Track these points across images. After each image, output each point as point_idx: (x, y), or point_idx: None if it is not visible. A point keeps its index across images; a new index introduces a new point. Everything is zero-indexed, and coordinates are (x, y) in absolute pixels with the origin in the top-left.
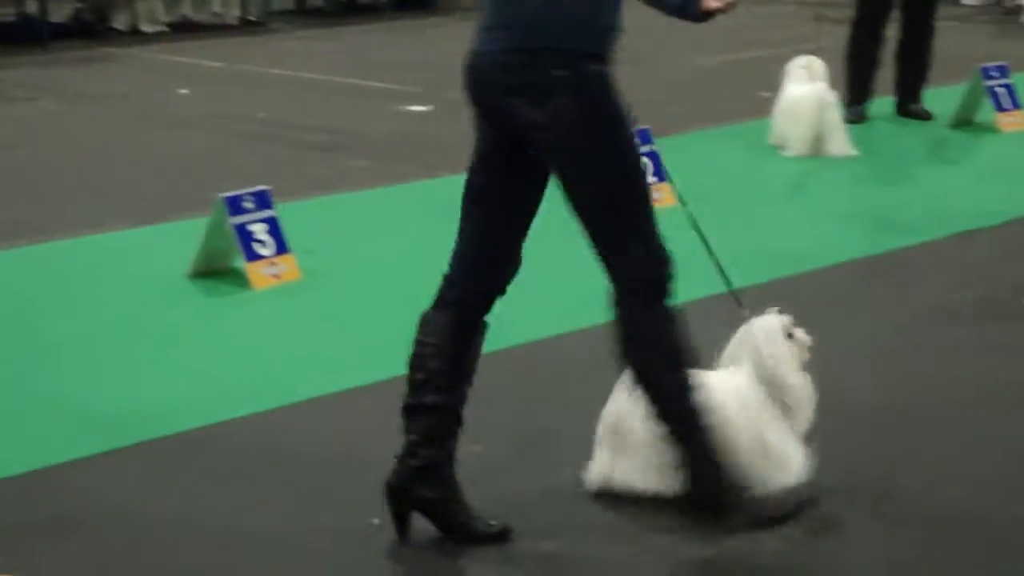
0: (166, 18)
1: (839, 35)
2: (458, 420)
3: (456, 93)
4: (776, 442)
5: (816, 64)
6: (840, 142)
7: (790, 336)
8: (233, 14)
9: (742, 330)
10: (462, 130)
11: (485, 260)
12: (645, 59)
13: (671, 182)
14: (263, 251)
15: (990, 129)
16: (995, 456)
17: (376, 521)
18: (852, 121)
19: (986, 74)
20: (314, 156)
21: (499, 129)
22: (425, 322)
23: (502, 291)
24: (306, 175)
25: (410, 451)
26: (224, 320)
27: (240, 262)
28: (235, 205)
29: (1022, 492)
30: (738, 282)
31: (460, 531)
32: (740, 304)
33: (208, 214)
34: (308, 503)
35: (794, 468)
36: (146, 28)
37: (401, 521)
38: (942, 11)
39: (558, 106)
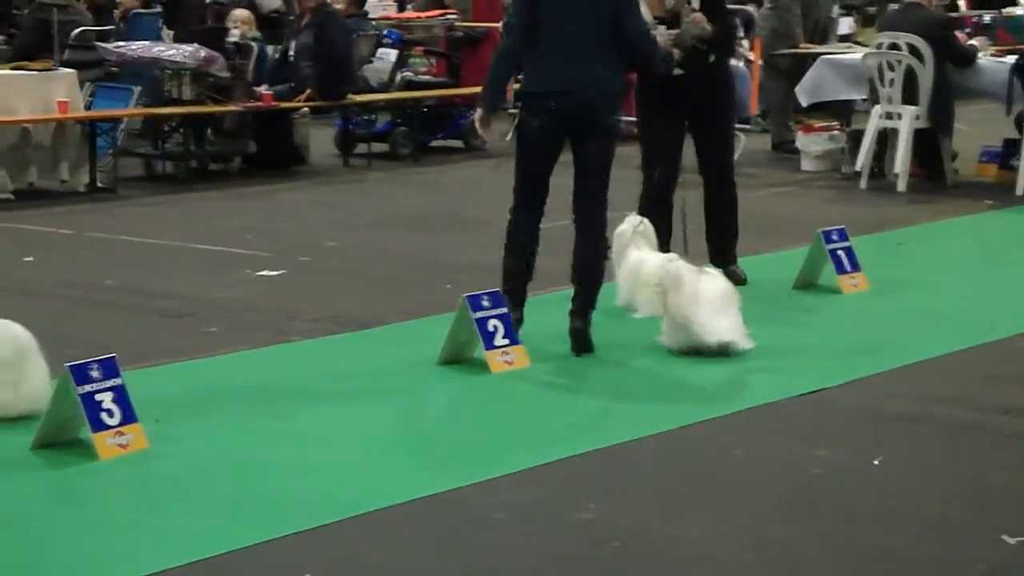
0: (12, 186)
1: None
2: None
3: (307, 257)
4: None
5: (647, 226)
6: None
7: None
8: (82, 181)
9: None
10: (314, 294)
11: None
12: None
13: None
14: (110, 421)
15: (833, 291)
16: None
17: None
18: None
19: (827, 238)
20: (164, 322)
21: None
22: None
23: None
24: (156, 342)
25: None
26: (71, 493)
27: (86, 432)
28: (81, 374)
29: None
30: None
31: None
32: None
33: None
34: None
35: None
36: None
37: None
38: (784, 176)
39: None
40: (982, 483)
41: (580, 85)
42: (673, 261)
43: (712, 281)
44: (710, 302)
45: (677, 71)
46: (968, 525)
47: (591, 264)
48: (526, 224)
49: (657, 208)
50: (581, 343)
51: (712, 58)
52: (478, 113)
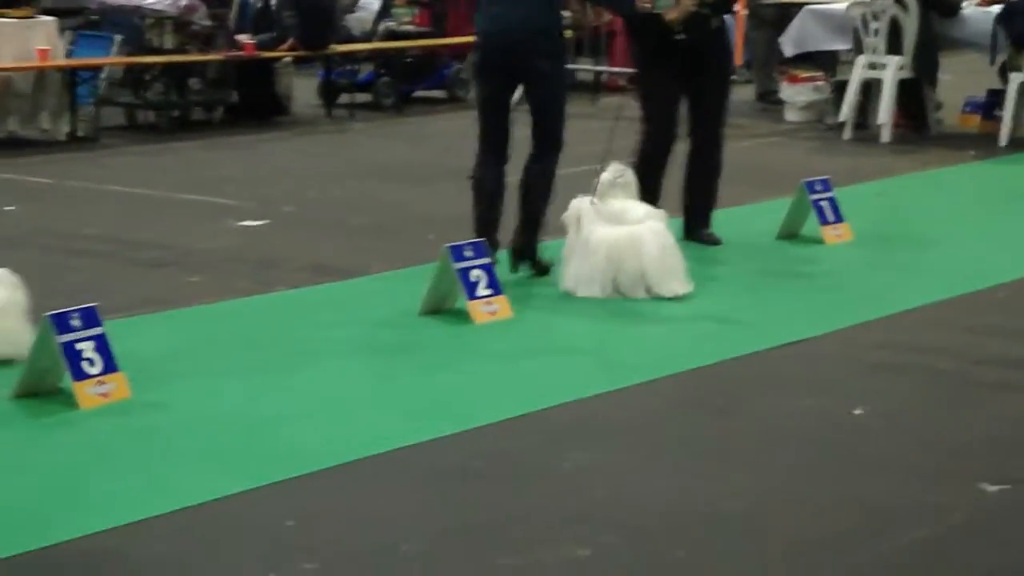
0: None
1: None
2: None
3: (290, 207)
4: None
5: (628, 176)
6: None
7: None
8: (63, 130)
9: None
10: (296, 244)
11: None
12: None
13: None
14: (91, 370)
15: (816, 241)
16: None
17: None
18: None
19: (810, 188)
20: (146, 272)
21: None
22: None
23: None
24: (138, 291)
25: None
26: (52, 442)
27: (67, 381)
28: (61, 323)
29: None
30: None
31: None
32: None
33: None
34: None
35: None
36: None
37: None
38: (768, 127)
39: None
40: (962, 432)
41: (507, 25)
42: (584, 200)
43: (613, 231)
44: (594, 252)
45: (680, 36)
46: (948, 474)
47: (537, 181)
48: (489, 166)
49: (650, 165)
50: (522, 257)
51: (714, 23)
52: None
